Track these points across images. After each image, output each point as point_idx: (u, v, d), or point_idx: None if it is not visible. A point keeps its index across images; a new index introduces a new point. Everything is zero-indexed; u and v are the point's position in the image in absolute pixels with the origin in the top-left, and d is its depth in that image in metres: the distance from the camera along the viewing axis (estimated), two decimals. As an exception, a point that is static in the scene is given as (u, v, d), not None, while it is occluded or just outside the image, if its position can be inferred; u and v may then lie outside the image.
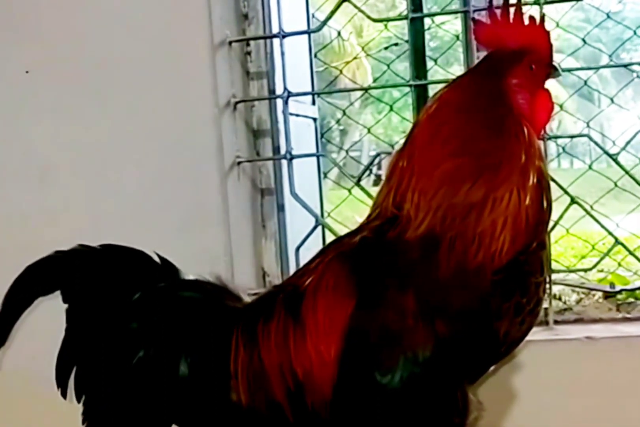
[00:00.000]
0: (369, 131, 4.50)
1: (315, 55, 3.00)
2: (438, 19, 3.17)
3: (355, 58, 5.55)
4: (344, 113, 3.34)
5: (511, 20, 1.47)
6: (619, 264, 2.67)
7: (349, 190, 2.65)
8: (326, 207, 2.85)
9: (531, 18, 1.47)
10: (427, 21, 2.65)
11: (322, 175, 2.84)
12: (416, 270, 1.38)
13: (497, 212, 1.37)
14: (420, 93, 2.54)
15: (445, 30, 4.18)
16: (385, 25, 2.81)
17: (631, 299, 2.39)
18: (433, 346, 1.35)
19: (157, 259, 1.57)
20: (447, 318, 1.35)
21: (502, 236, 1.36)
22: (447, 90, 1.49)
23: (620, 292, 2.40)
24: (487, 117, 1.43)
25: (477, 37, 1.53)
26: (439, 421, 1.40)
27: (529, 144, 1.42)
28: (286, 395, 1.42)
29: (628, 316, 2.31)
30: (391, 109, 3.45)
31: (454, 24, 3.82)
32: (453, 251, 1.36)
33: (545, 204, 1.41)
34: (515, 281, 1.37)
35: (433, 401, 1.39)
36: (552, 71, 1.51)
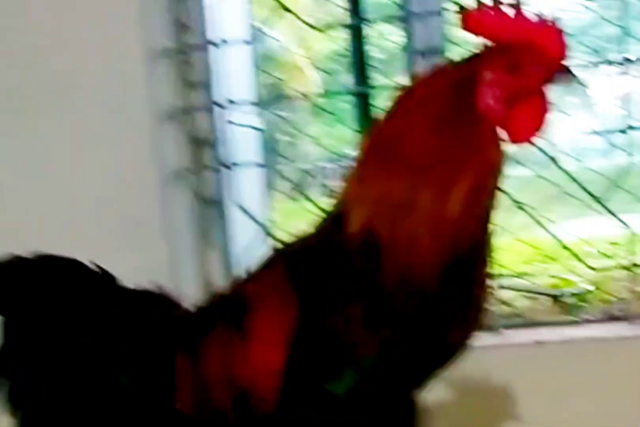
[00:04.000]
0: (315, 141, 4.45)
1: (258, 67, 2.97)
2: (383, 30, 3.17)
3: (298, 69, 5.49)
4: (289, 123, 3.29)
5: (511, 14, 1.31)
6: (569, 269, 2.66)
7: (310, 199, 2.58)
8: (280, 221, 2.81)
9: (537, 14, 1.31)
10: (371, 31, 2.64)
11: (267, 186, 2.80)
12: (360, 277, 1.33)
13: (419, 217, 1.31)
14: (363, 102, 2.52)
15: (389, 40, 4.18)
16: (326, 33, 2.79)
17: (579, 303, 2.38)
18: (380, 353, 1.31)
19: (94, 268, 1.51)
20: (392, 326, 1.30)
21: (429, 245, 1.31)
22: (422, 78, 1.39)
23: (568, 295, 2.39)
24: (443, 110, 1.33)
25: (466, 25, 1.35)
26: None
27: (475, 151, 1.32)
28: (231, 405, 1.38)
29: (576, 319, 2.30)
30: (337, 118, 3.43)
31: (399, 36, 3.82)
32: (394, 256, 1.31)
33: (483, 212, 1.34)
34: (459, 288, 1.33)
35: (381, 408, 1.35)
36: (559, 76, 1.31)
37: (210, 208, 2.52)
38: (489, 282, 1.38)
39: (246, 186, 2.58)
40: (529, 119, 1.33)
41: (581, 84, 1.35)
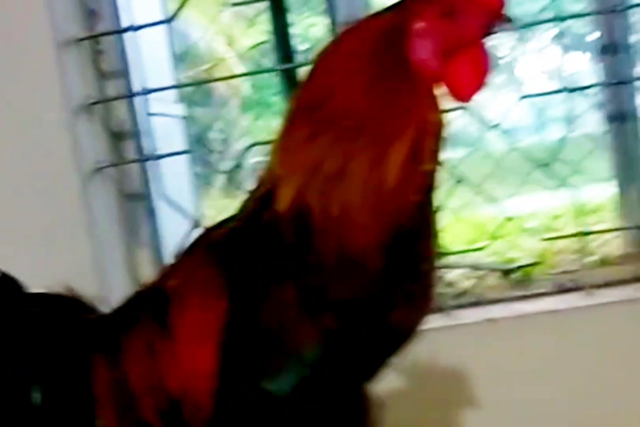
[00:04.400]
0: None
1: (176, 54, 2.84)
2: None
3: (223, 62, 5.35)
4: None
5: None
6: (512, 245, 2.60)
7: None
8: (215, 217, 2.68)
9: None
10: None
11: (194, 177, 2.67)
12: (292, 257, 1.19)
13: (354, 187, 1.18)
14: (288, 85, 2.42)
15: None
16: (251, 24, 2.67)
17: (528, 277, 2.30)
18: (322, 343, 1.17)
19: None
20: (334, 310, 1.17)
21: (366, 217, 1.18)
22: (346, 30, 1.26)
23: (516, 270, 2.30)
24: (370, 66, 1.19)
25: None
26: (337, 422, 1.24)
27: (408, 109, 1.19)
28: (159, 416, 1.23)
29: (526, 293, 2.22)
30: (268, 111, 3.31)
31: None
32: (328, 232, 1.18)
33: (424, 179, 1.21)
34: (403, 268, 1.20)
35: (329, 404, 1.22)
36: (498, 23, 1.18)
37: (136, 203, 2.39)
38: (435, 257, 1.27)
39: (173, 179, 2.45)
40: (468, 73, 1.21)
41: (516, 30, 1.23)
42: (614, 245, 2.42)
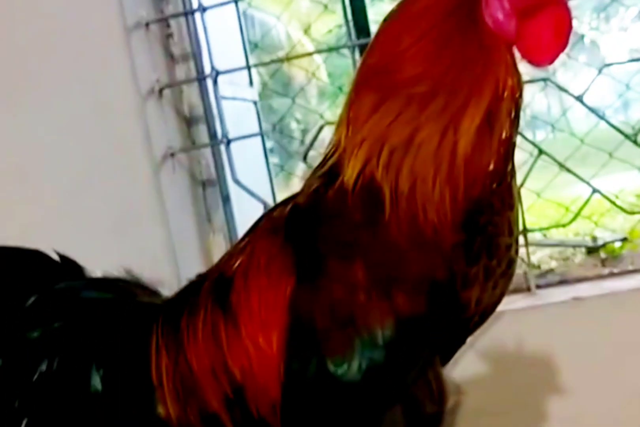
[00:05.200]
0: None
1: (254, 45, 2.80)
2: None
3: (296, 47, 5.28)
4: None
5: None
6: (596, 224, 2.48)
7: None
8: (279, 197, 2.63)
9: None
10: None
11: (268, 160, 2.62)
12: (361, 235, 1.12)
13: (424, 158, 1.11)
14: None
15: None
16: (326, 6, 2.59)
17: (616, 254, 2.18)
18: (394, 323, 1.10)
19: (56, 257, 1.32)
20: (406, 289, 1.10)
21: (440, 189, 1.10)
22: None
23: (602, 247, 2.19)
24: (445, 28, 1.12)
25: None
26: (412, 413, 1.17)
27: (481, 74, 1.11)
28: (224, 403, 1.18)
29: (615, 271, 2.10)
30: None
31: None
32: (398, 207, 1.11)
33: (501, 147, 1.13)
34: (480, 243, 1.12)
35: (401, 389, 1.15)
36: None
37: (210, 189, 2.35)
38: (516, 232, 1.18)
39: (247, 165, 2.40)
40: (547, 35, 1.12)
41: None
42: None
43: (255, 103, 2.63)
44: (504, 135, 1.12)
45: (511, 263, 1.18)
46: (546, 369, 1.85)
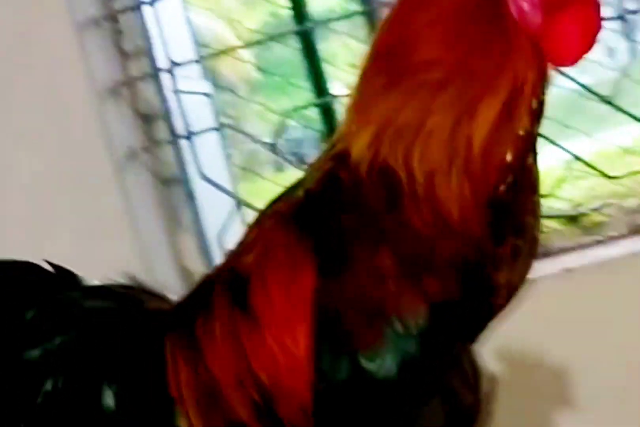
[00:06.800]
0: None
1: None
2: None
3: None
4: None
5: None
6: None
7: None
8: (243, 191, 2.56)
9: None
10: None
11: (227, 154, 2.56)
12: (386, 220, 1.06)
13: (436, 144, 1.05)
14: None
15: None
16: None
17: (602, 220, 2.14)
18: (427, 310, 1.04)
19: (49, 268, 1.23)
20: (437, 274, 1.05)
21: (455, 179, 1.06)
22: None
23: (583, 214, 2.15)
24: (461, 10, 1.06)
25: None
26: (451, 405, 1.12)
27: (501, 63, 1.05)
28: (252, 411, 1.10)
29: (601, 238, 2.09)
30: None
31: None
32: (417, 195, 1.06)
33: (517, 145, 1.07)
34: (506, 222, 1.08)
35: (438, 380, 1.11)
36: None
37: (174, 187, 2.28)
38: (540, 211, 1.15)
39: (209, 160, 2.33)
40: (575, 33, 1.06)
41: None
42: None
43: (209, 96, 2.56)
44: (522, 129, 1.07)
45: (535, 242, 1.14)
46: (541, 342, 1.83)
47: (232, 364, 1.11)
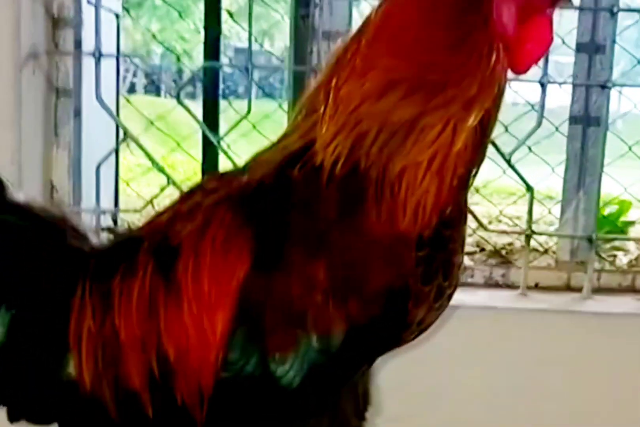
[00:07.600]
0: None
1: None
2: None
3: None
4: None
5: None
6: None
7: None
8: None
9: None
10: None
11: (120, 83, 2.50)
12: (331, 231, 1.06)
13: (423, 143, 1.07)
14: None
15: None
16: None
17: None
18: (345, 330, 1.07)
19: None
20: (363, 299, 1.06)
21: (426, 182, 1.07)
22: None
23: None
24: (454, 22, 1.09)
25: None
26: (335, 425, 1.17)
27: (489, 74, 1.09)
28: (147, 382, 1.09)
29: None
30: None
31: None
32: (382, 197, 1.06)
33: (480, 158, 1.12)
34: (439, 259, 1.10)
35: (334, 398, 1.15)
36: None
37: (63, 99, 2.21)
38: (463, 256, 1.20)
39: (103, 79, 2.28)
40: (533, 42, 1.14)
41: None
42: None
43: (117, 16, 2.48)
44: (487, 139, 1.13)
45: (456, 285, 1.17)
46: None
47: (141, 328, 1.09)
